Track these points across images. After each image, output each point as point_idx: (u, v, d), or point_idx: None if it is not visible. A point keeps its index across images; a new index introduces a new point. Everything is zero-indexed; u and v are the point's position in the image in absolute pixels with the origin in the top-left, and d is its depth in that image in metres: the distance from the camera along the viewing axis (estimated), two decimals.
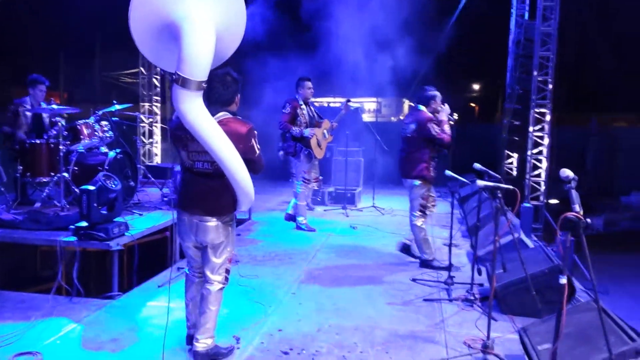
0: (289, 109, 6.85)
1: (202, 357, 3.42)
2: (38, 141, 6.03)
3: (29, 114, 6.37)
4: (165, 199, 6.70)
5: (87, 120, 6.47)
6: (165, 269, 5.46)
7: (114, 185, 4.93)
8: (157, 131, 12.00)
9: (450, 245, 5.14)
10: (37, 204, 5.87)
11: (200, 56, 2.96)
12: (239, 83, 3.39)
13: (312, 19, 9.21)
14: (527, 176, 10.01)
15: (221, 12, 3.09)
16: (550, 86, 9.70)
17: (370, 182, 9.45)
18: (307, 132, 6.88)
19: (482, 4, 14.41)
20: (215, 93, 3.29)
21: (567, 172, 2.50)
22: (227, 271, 3.50)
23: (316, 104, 7.39)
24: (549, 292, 4.26)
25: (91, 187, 4.72)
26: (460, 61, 18.46)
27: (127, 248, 5.22)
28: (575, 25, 12.91)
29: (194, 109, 3.03)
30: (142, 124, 11.51)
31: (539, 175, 9.97)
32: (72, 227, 4.89)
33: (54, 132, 6.02)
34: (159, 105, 11.99)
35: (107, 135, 6.66)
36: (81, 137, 6.28)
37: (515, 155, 11.52)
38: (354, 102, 7.66)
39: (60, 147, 5.81)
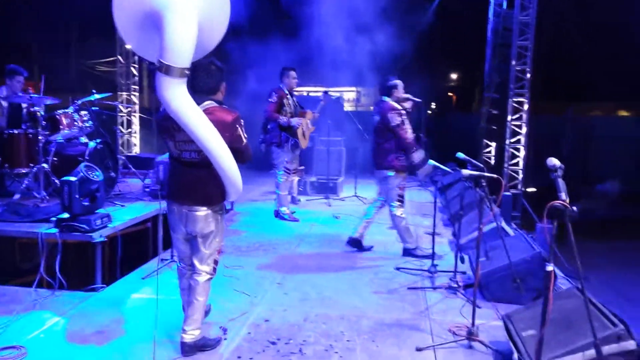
0: (276, 98, 6.79)
1: (189, 349, 3.42)
2: (16, 131, 5.91)
3: (5, 104, 6.23)
4: (147, 189, 6.64)
5: (66, 110, 6.35)
6: (147, 261, 5.44)
7: (95, 176, 4.87)
8: (135, 121, 11.85)
9: (433, 234, 5.20)
10: (16, 196, 5.75)
11: (182, 43, 2.97)
12: (224, 72, 3.39)
13: (290, 7, 9.13)
14: (506, 165, 10.15)
15: (204, 1, 3.10)
16: (529, 75, 9.82)
17: (352, 171, 9.48)
18: (295, 121, 6.85)
19: None
20: (200, 82, 3.29)
21: (553, 161, 2.54)
22: (216, 262, 3.50)
23: (296, 93, 7.35)
24: (531, 279, 4.35)
25: (73, 178, 4.65)
26: (439, 51, 18.50)
27: (109, 239, 5.17)
28: (553, 15, 13.02)
29: (177, 97, 3.04)
30: (120, 114, 11.35)
31: (517, 164, 10.12)
32: (53, 219, 4.82)
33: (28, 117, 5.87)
34: (137, 94, 11.84)
35: (87, 125, 6.56)
36: (60, 127, 6.17)
37: (494, 144, 11.65)
38: (333, 92, 7.66)
39: (39, 137, 5.71)
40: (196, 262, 3.42)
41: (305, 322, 4.01)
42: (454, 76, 24.78)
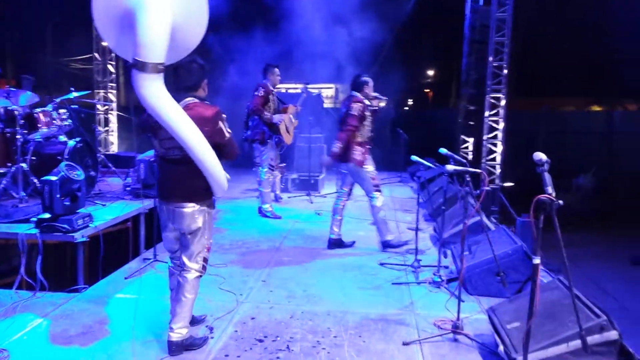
0: (262, 92, 6.75)
1: (176, 347, 3.41)
2: None
3: None
4: (128, 188, 6.56)
5: (44, 109, 6.24)
6: (127, 261, 5.38)
7: (76, 176, 4.80)
8: (113, 119, 11.70)
9: (417, 230, 5.23)
10: None
11: (154, 39, 3.01)
12: (205, 69, 3.40)
13: (269, 2, 9.09)
14: (483, 160, 10.26)
15: (179, 2, 3.14)
16: (505, 71, 9.93)
17: (333, 168, 9.47)
18: (277, 118, 6.84)
19: None
20: (181, 79, 3.33)
21: (540, 155, 2.59)
22: (205, 260, 3.49)
23: (275, 90, 7.33)
24: (513, 272, 4.42)
25: (53, 178, 4.58)
26: (416, 47, 18.61)
27: (90, 239, 5.10)
28: (528, 11, 13.17)
29: (154, 92, 3.06)
30: (98, 112, 11.20)
31: (494, 159, 10.24)
32: (33, 219, 4.74)
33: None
34: (114, 92, 11.68)
35: (66, 123, 6.45)
36: (39, 125, 6.05)
37: (471, 139, 11.75)
38: (312, 88, 7.68)
39: (17, 136, 5.60)
40: (185, 259, 3.41)
41: (291, 319, 4.02)
42: (430, 72, 24.91)
